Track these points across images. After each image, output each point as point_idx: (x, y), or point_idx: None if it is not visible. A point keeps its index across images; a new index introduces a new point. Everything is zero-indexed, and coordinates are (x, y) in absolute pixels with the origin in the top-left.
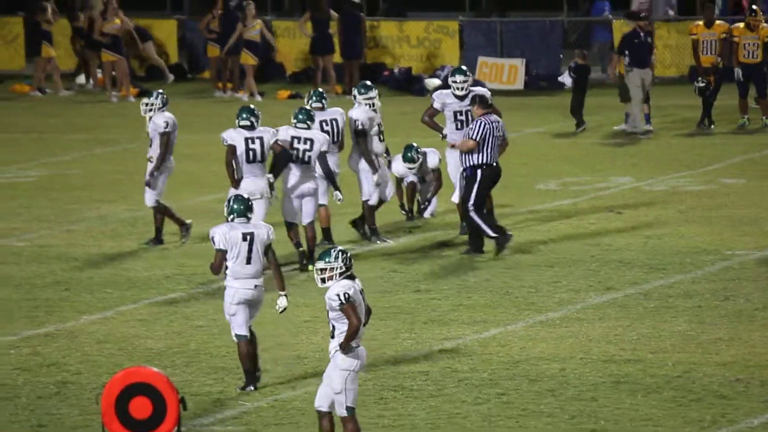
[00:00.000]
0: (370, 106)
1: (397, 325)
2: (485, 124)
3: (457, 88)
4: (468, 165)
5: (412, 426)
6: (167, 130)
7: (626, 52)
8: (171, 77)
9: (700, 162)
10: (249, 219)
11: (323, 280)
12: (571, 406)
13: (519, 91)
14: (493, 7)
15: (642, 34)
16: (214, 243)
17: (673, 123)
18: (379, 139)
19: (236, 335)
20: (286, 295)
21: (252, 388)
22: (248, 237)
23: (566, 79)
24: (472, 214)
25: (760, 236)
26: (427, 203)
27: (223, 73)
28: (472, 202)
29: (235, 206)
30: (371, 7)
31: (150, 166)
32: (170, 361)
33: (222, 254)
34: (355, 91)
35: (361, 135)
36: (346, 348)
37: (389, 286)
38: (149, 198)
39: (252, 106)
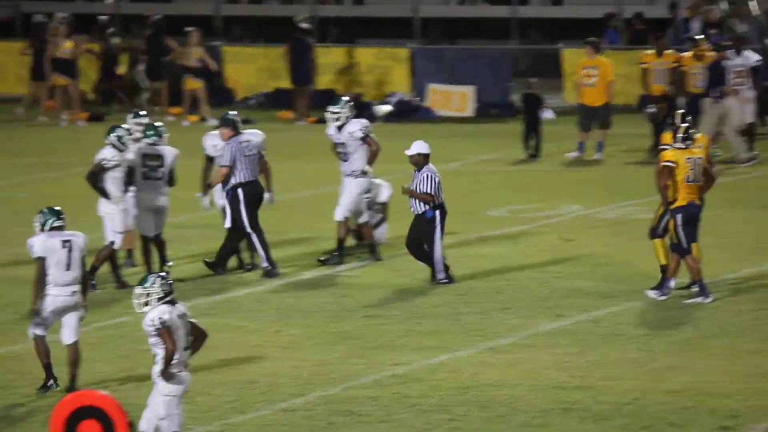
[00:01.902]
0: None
1: (347, 350)
2: (232, 147)
3: (333, 119)
4: (228, 188)
5: None
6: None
7: None
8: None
9: (649, 190)
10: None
11: (140, 305)
12: None
13: (469, 118)
14: (442, 35)
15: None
16: (32, 253)
17: (624, 151)
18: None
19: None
20: None
21: (52, 383)
22: (67, 244)
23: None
24: (252, 237)
25: (708, 265)
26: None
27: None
28: (247, 224)
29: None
30: (322, 34)
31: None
32: (119, 385)
33: (42, 261)
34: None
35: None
36: (165, 374)
37: (338, 311)
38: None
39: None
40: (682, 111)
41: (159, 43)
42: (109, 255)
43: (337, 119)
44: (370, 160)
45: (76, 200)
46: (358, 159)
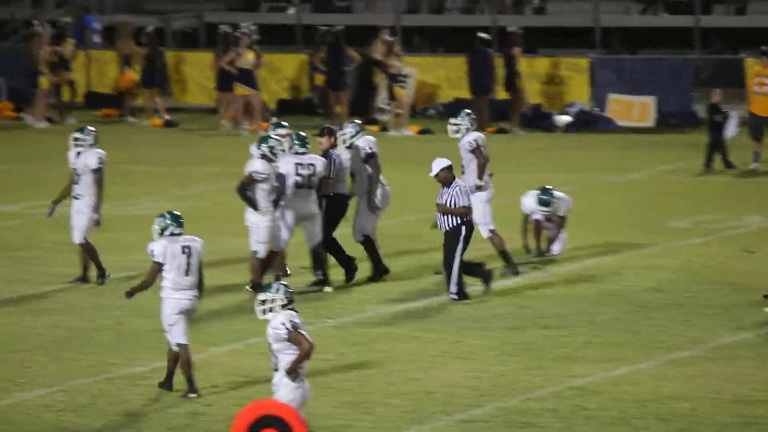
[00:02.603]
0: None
1: (526, 362)
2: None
3: (454, 131)
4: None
5: None
6: (100, 166)
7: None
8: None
9: None
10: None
11: (264, 312)
12: None
13: (650, 128)
14: (623, 45)
15: None
16: (152, 256)
17: None
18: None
19: (177, 344)
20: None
21: (196, 395)
22: (186, 250)
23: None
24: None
25: None
26: (549, 245)
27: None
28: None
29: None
30: (501, 43)
31: (80, 204)
32: None
33: (159, 267)
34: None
35: None
36: (292, 372)
37: (519, 322)
38: (78, 235)
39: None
40: None
41: (340, 53)
42: (261, 265)
43: (457, 131)
44: (479, 174)
45: None
46: (470, 173)
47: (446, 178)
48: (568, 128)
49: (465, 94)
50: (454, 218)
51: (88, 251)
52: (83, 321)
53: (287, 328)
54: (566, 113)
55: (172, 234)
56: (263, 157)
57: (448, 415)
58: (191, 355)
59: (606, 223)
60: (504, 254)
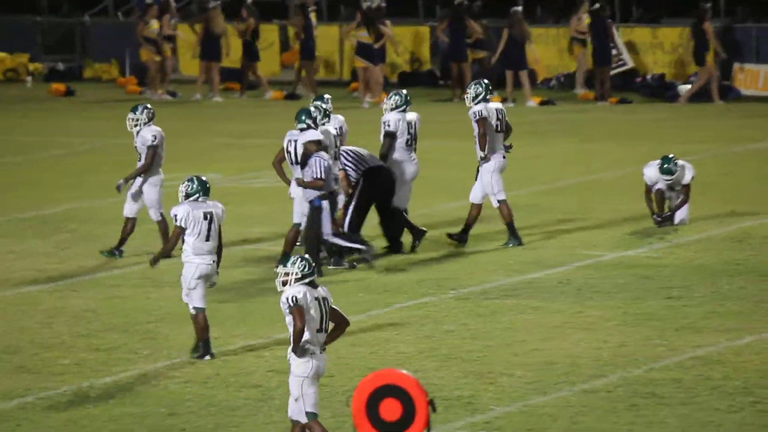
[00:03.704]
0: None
1: (648, 332)
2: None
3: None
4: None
5: None
6: (155, 143)
7: None
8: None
9: None
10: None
11: (280, 284)
12: None
13: None
14: (748, 13)
15: None
16: (176, 220)
17: None
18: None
19: (195, 308)
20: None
21: (210, 356)
22: (208, 216)
23: None
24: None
25: None
26: (670, 213)
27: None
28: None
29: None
30: (625, 13)
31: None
32: (420, 364)
33: (181, 231)
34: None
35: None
36: (296, 349)
37: (640, 292)
38: (154, 213)
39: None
40: None
41: (461, 25)
42: (295, 237)
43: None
44: (481, 144)
45: None
46: (477, 146)
47: (308, 149)
48: (691, 99)
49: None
50: (312, 191)
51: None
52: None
53: (288, 303)
54: (690, 83)
55: (197, 200)
56: (309, 128)
57: (570, 385)
58: (207, 319)
59: (730, 193)
60: (510, 226)
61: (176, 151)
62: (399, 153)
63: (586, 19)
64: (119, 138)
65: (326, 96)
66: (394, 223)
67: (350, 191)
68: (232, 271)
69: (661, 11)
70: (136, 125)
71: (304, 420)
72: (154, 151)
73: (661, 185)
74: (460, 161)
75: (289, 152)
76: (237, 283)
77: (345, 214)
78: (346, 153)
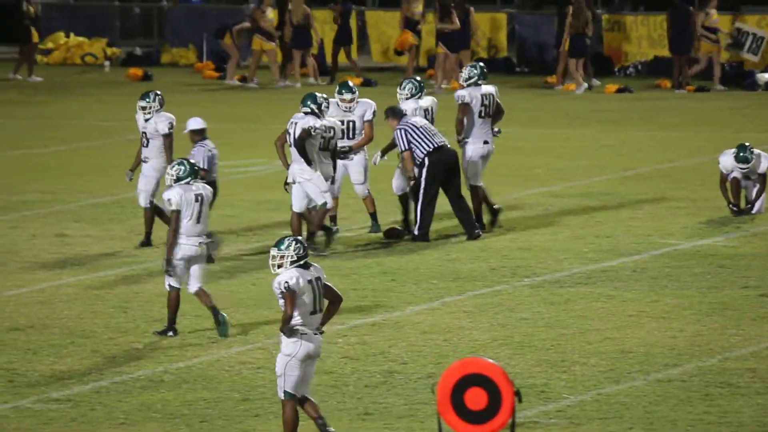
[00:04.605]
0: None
1: (724, 321)
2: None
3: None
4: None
5: (739, 423)
6: (170, 131)
7: None
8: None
9: None
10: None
11: (273, 267)
12: None
13: None
14: None
15: None
16: (170, 204)
17: None
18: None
19: (170, 285)
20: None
21: (172, 334)
22: (199, 198)
23: None
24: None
25: None
26: (752, 204)
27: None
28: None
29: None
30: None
31: (147, 167)
32: (494, 352)
33: (178, 214)
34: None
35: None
36: (284, 330)
37: (716, 281)
38: (143, 199)
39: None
40: None
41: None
42: (299, 223)
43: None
44: (458, 129)
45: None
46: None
47: (192, 138)
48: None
49: (666, 52)
50: None
51: (152, 215)
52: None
53: (281, 289)
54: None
55: (188, 183)
56: (312, 113)
57: (645, 374)
58: (179, 299)
59: None
60: (478, 213)
61: (255, 138)
62: None
63: (714, 14)
64: None
65: (350, 83)
66: (462, 204)
67: (412, 175)
68: None
69: None
70: (148, 112)
71: (280, 396)
72: (171, 139)
73: (736, 174)
74: (535, 147)
75: (289, 133)
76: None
77: (416, 199)
78: (415, 128)
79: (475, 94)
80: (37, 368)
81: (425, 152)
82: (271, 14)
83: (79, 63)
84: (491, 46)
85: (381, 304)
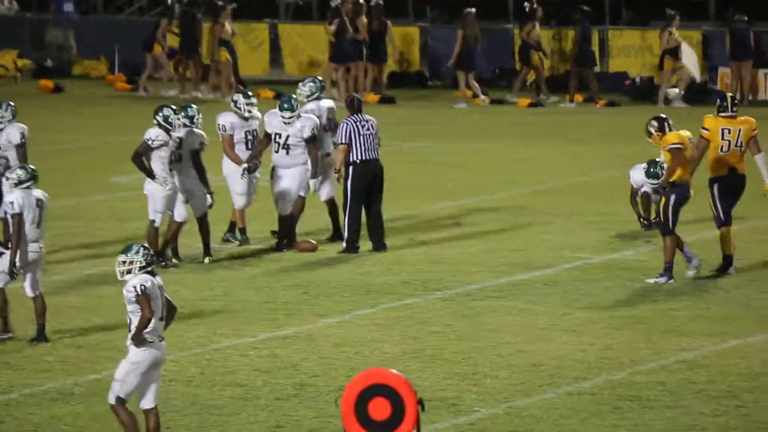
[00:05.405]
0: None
1: (634, 335)
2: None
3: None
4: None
5: None
6: (23, 141)
7: None
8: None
9: None
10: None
11: (122, 273)
12: None
13: (764, 101)
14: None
15: None
16: (13, 207)
17: None
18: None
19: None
20: None
21: (10, 336)
22: (39, 203)
23: None
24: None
25: None
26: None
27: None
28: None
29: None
30: (615, 16)
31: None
32: (405, 365)
33: (20, 217)
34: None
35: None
36: (137, 339)
37: (627, 295)
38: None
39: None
40: None
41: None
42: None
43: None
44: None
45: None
46: None
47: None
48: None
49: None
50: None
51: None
52: (192, 292)
53: (137, 292)
54: (677, 87)
55: (28, 188)
56: (159, 126)
57: (555, 387)
58: (8, 301)
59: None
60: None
61: None
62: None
63: (676, 34)
64: (109, 135)
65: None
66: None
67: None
68: (217, 270)
69: (650, 15)
70: (0, 123)
71: (111, 402)
72: (24, 149)
73: (647, 188)
74: (447, 161)
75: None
76: (224, 280)
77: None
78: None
79: (322, 107)
80: None
81: (355, 159)
82: (229, 27)
83: None
84: (403, 60)
85: (293, 316)
